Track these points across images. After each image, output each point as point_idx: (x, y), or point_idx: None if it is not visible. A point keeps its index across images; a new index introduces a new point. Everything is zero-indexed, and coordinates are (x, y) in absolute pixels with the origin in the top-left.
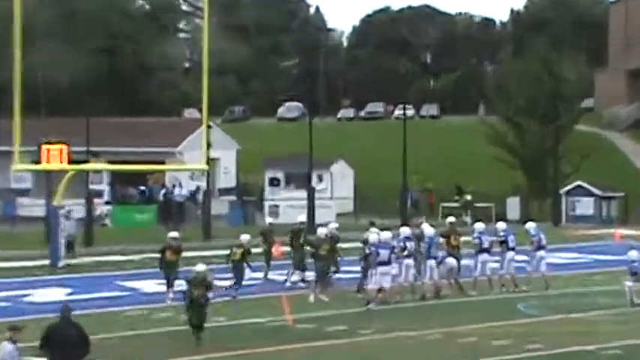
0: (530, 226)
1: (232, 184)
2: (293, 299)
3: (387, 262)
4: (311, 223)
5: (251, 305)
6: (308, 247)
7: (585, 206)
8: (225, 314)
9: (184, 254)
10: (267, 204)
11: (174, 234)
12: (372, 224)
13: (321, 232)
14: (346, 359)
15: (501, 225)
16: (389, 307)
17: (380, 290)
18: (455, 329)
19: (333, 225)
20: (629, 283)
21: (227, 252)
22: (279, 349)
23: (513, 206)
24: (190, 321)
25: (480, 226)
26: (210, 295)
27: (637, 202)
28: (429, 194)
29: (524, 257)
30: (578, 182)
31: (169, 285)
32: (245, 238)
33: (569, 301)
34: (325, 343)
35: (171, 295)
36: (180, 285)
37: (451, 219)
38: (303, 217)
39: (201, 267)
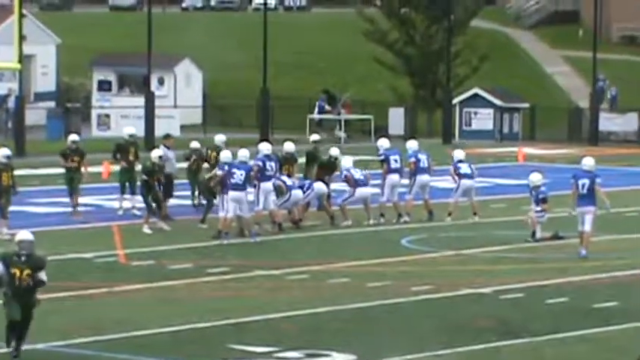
0: (410, 145)
1: (52, 87)
2: (125, 230)
3: (242, 186)
4: (149, 138)
5: (74, 237)
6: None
7: (483, 119)
8: (42, 247)
9: None
10: (95, 112)
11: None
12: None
13: (156, 154)
14: (191, 304)
15: (384, 142)
16: (244, 241)
17: (231, 220)
18: (324, 268)
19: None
20: (532, 214)
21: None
22: (111, 291)
23: (397, 119)
24: (11, 318)
25: (385, 142)
26: (43, 277)
27: (546, 115)
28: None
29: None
30: (475, 90)
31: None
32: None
33: (462, 235)
34: (165, 283)
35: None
36: None
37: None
38: (132, 129)
39: (26, 235)
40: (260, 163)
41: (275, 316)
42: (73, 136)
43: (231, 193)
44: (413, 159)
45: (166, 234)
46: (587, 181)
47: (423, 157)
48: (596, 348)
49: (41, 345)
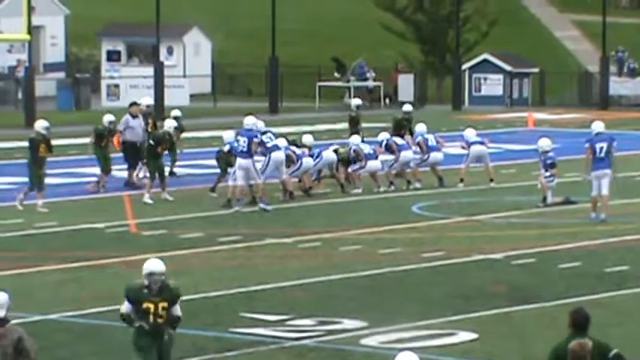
0: (419, 129)
1: (61, 58)
2: (136, 200)
3: (247, 154)
4: (159, 107)
5: (84, 208)
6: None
7: (493, 85)
8: (54, 218)
9: (2, 146)
10: (104, 83)
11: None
12: None
13: (169, 124)
14: (203, 273)
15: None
16: (255, 209)
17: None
18: (335, 235)
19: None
20: (542, 179)
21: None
22: (123, 261)
23: (406, 86)
24: None
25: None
26: (179, 312)
27: (555, 80)
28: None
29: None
30: (485, 56)
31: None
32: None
33: (473, 201)
34: (177, 253)
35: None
36: None
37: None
38: (149, 100)
39: (157, 266)
40: (256, 139)
41: (286, 284)
42: (110, 117)
43: (238, 161)
44: (420, 138)
45: (177, 203)
46: (604, 145)
47: (430, 136)
48: (608, 312)
49: (54, 315)
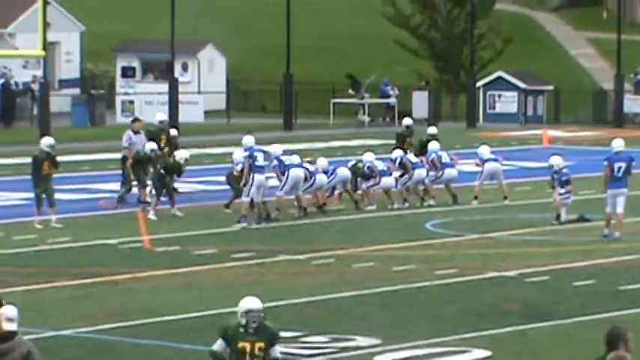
0: (431, 146)
1: (76, 74)
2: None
3: (264, 169)
4: (174, 124)
5: (98, 224)
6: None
7: (507, 102)
8: (67, 234)
9: (17, 162)
10: (119, 99)
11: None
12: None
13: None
14: (216, 290)
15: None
16: (268, 226)
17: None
18: (349, 252)
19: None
20: (556, 197)
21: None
22: (136, 277)
23: (420, 102)
24: None
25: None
26: (278, 354)
27: (570, 98)
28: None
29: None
30: (499, 73)
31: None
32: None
33: (486, 218)
34: (190, 269)
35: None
36: None
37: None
38: (162, 116)
39: (254, 303)
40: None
41: (300, 301)
42: (162, 115)
43: (257, 177)
44: (434, 155)
45: (190, 219)
46: (623, 164)
47: (443, 153)
48: None
49: (68, 331)
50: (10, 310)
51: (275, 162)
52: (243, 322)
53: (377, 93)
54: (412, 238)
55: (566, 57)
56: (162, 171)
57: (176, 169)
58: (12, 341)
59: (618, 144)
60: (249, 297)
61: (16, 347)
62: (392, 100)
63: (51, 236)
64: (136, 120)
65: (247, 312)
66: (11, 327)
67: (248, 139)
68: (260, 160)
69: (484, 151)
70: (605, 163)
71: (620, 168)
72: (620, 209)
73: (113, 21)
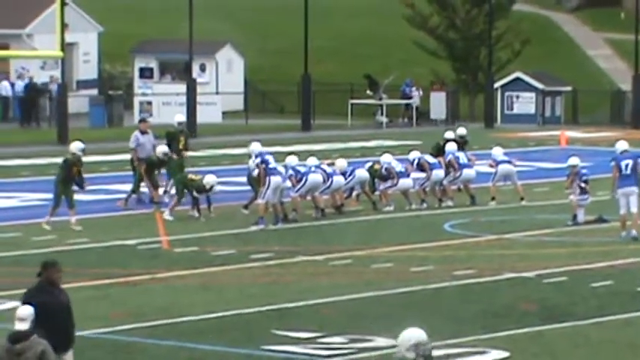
0: (449, 148)
1: (94, 75)
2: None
3: (279, 171)
4: (192, 124)
5: (116, 225)
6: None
7: (525, 103)
8: (85, 235)
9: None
10: (137, 100)
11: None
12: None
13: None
14: (234, 290)
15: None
16: (286, 227)
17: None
18: (367, 252)
19: None
20: (573, 197)
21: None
22: (154, 278)
23: (438, 103)
24: None
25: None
26: None
27: (588, 99)
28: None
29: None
30: (517, 74)
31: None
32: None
33: (504, 219)
34: (208, 270)
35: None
36: None
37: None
38: (181, 117)
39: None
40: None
41: (318, 302)
42: (180, 117)
43: (273, 179)
44: (451, 156)
45: (208, 220)
46: (630, 162)
47: (460, 154)
48: None
49: (86, 332)
50: (23, 310)
51: (291, 171)
52: (412, 357)
53: (397, 94)
54: (430, 239)
55: (584, 58)
56: (187, 182)
57: (202, 190)
58: (27, 341)
59: (622, 144)
60: (410, 328)
61: (31, 347)
62: (414, 101)
63: (69, 237)
64: (142, 120)
65: (416, 345)
66: (22, 326)
67: (255, 146)
68: (272, 162)
69: (497, 152)
70: (612, 163)
71: (627, 165)
72: (634, 209)
73: (131, 22)
